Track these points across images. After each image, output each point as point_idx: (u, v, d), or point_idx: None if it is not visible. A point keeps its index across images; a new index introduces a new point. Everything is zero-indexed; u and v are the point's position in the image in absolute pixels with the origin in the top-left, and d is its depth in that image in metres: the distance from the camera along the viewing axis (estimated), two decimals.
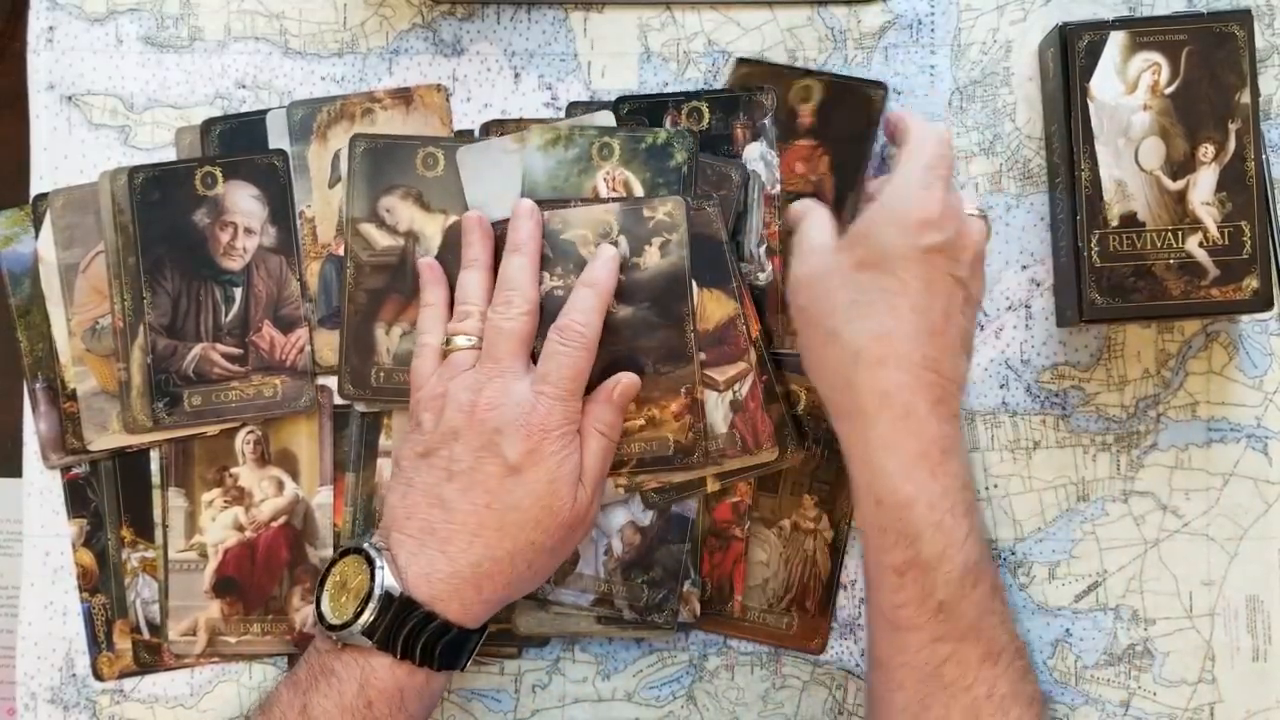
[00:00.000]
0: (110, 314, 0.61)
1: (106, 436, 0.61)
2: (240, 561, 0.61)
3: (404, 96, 0.62)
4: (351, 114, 0.62)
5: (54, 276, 0.61)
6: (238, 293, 0.61)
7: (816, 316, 0.55)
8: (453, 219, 0.61)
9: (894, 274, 0.52)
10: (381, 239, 0.61)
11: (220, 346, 0.61)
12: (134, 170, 0.61)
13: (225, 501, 0.61)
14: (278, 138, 0.62)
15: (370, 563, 0.52)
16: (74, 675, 0.62)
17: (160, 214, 0.61)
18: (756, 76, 0.62)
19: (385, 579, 0.52)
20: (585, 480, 0.55)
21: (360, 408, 0.61)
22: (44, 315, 0.61)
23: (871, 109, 0.61)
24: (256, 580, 0.61)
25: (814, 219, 0.58)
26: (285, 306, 0.61)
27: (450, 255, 0.60)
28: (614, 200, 0.60)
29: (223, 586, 0.61)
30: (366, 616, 0.51)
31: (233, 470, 0.61)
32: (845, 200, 0.61)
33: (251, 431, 0.61)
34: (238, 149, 0.62)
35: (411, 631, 0.52)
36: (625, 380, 0.57)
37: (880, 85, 0.62)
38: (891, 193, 0.54)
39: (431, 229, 0.61)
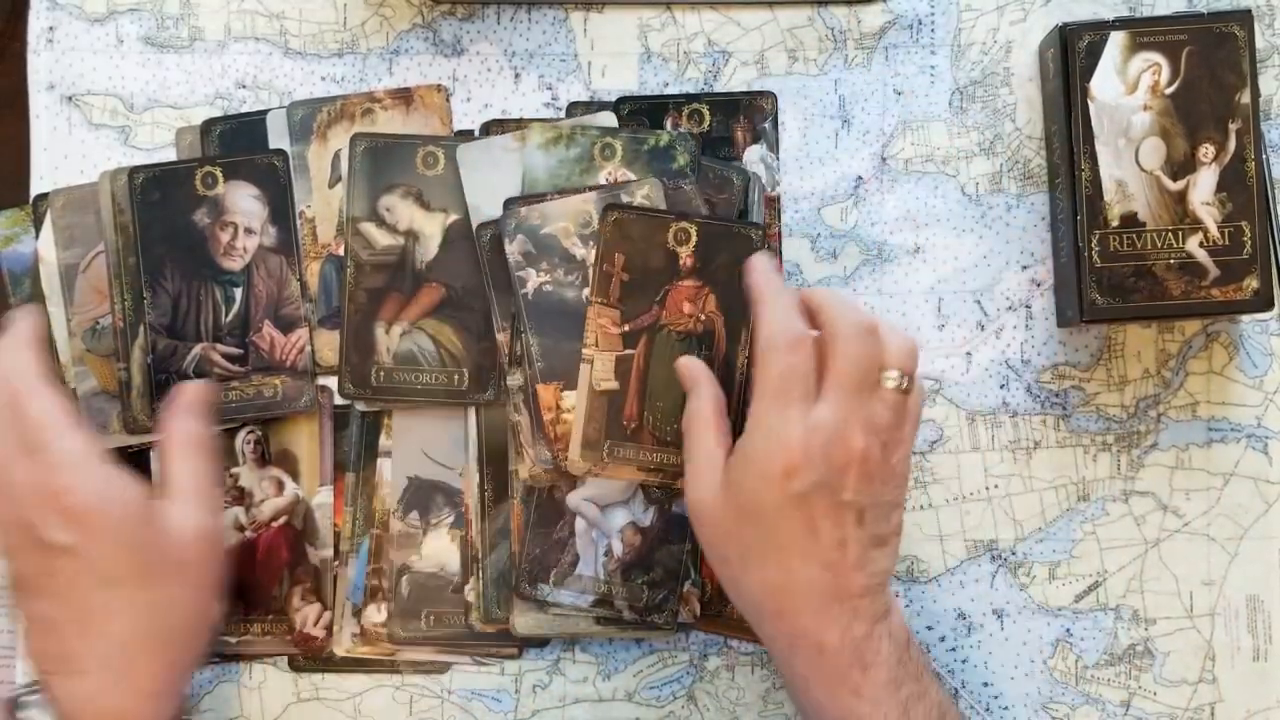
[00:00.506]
0: (110, 314, 0.61)
1: (107, 437, 0.60)
2: (240, 562, 0.60)
3: (404, 96, 0.62)
4: (352, 114, 0.62)
5: (54, 276, 0.61)
6: (238, 293, 0.61)
7: (714, 560, 0.54)
8: (453, 218, 0.61)
9: (773, 527, 0.50)
10: (382, 238, 0.61)
11: (220, 347, 0.61)
12: (134, 170, 0.61)
13: (225, 501, 0.60)
14: (278, 138, 0.62)
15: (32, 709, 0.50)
16: None
17: (160, 214, 0.61)
18: (628, 224, 0.59)
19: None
20: (186, 504, 0.51)
21: (360, 407, 0.61)
22: (43, 316, 0.61)
23: (750, 248, 0.59)
24: (257, 580, 0.61)
25: (700, 421, 0.54)
26: (285, 306, 0.61)
27: (449, 255, 0.60)
28: (590, 189, 0.60)
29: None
30: None
31: (233, 470, 0.61)
32: (739, 336, 0.59)
33: (251, 432, 0.61)
34: (238, 149, 0.62)
35: None
36: (184, 386, 0.57)
37: (757, 226, 0.60)
38: (748, 441, 0.51)
39: (432, 228, 0.61)
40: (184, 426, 0.54)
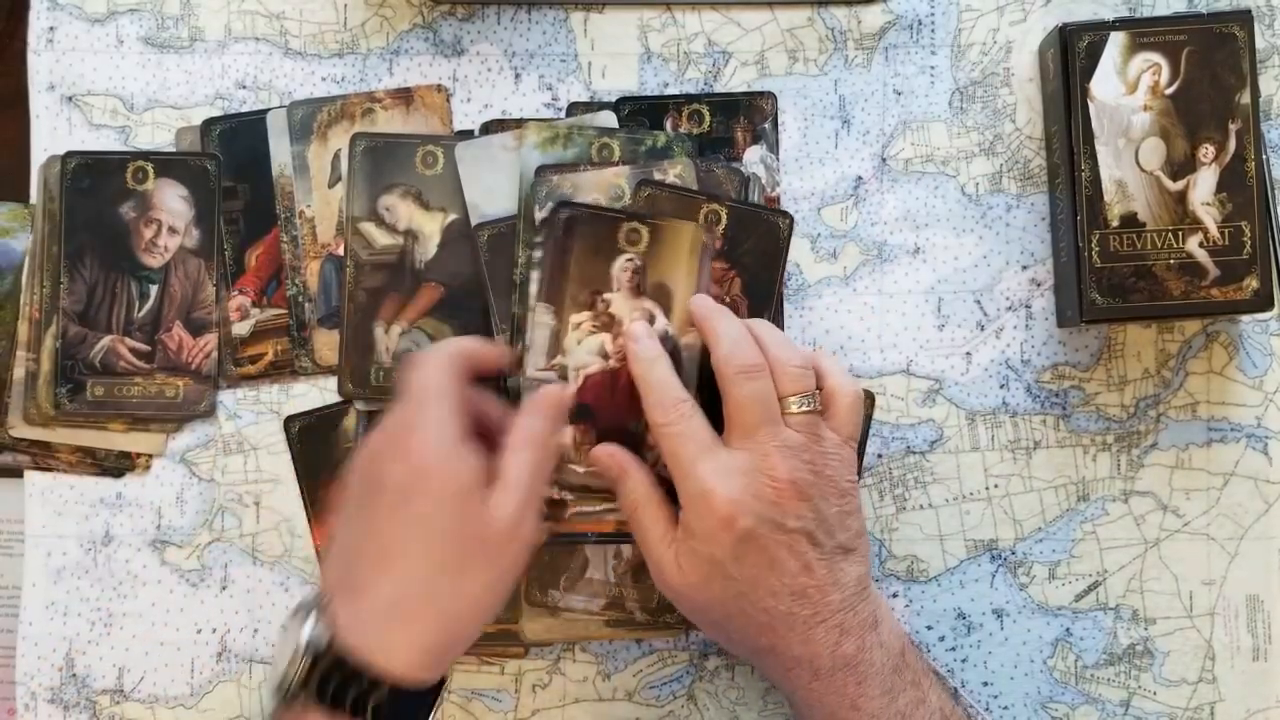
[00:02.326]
0: (28, 304, 0.61)
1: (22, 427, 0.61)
2: (599, 390, 0.57)
3: (404, 96, 0.62)
4: (352, 114, 0.62)
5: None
6: (153, 290, 0.61)
7: (704, 627, 0.56)
8: (452, 218, 0.61)
9: (735, 576, 0.51)
10: (381, 237, 0.61)
11: (129, 341, 0.61)
12: (68, 155, 0.61)
13: (594, 326, 0.58)
14: (278, 137, 0.62)
15: (307, 616, 0.50)
16: (74, 675, 0.62)
17: (87, 202, 0.61)
18: (661, 201, 0.59)
19: (310, 630, 0.49)
20: (506, 493, 0.51)
21: (360, 406, 0.61)
22: (15, 312, 0.62)
23: (779, 237, 0.60)
24: (613, 411, 0.58)
25: (639, 510, 0.54)
26: (199, 310, 0.61)
27: (448, 255, 0.60)
28: (624, 164, 0.60)
29: (579, 412, 0.57)
30: (293, 673, 0.49)
31: (606, 295, 0.58)
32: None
33: (631, 260, 0.58)
34: (238, 149, 0.62)
35: (340, 687, 0.49)
36: (547, 389, 0.56)
37: (785, 214, 0.60)
38: (684, 512, 0.52)
39: (431, 228, 0.61)
40: (533, 424, 0.54)
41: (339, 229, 0.62)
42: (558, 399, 0.55)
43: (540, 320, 0.58)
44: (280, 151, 0.62)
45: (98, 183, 0.61)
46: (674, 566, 0.53)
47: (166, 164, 0.61)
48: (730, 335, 0.54)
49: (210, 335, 0.61)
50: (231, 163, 0.62)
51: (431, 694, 0.52)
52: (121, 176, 0.61)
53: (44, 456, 0.61)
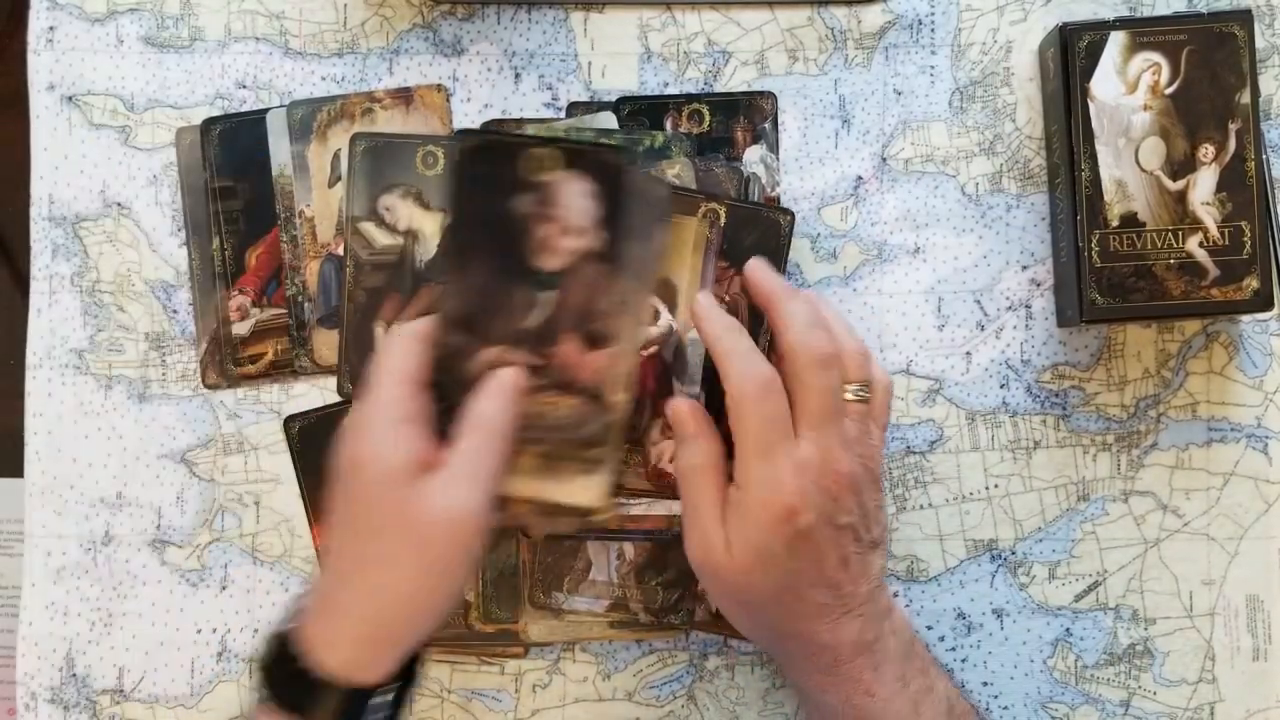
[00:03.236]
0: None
1: None
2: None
3: (404, 96, 0.62)
4: (351, 113, 0.62)
5: None
6: (548, 295, 0.54)
7: (727, 608, 0.54)
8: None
9: (783, 568, 0.51)
10: (381, 237, 0.61)
11: (516, 353, 0.54)
12: (462, 132, 0.57)
13: None
14: (278, 137, 0.62)
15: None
16: (74, 675, 0.62)
17: (483, 190, 0.53)
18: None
19: (279, 625, 0.50)
20: (444, 480, 0.49)
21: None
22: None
23: (780, 234, 0.59)
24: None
25: (698, 477, 0.52)
26: (595, 320, 0.54)
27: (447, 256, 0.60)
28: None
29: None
30: (258, 667, 0.49)
31: None
32: (762, 321, 0.56)
33: None
34: (237, 149, 0.62)
35: (288, 686, 0.49)
36: (502, 372, 0.52)
37: (786, 211, 0.59)
38: (742, 495, 0.51)
39: (431, 227, 0.61)
40: (483, 408, 0.51)
41: (338, 229, 0.62)
42: (511, 383, 0.52)
43: None
44: (280, 151, 0.62)
45: (494, 168, 0.53)
46: (723, 546, 0.51)
47: (577, 154, 0.53)
48: (803, 319, 0.51)
49: (606, 350, 0.53)
50: (231, 162, 0.62)
51: (394, 693, 0.51)
52: (520, 164, 0.53)
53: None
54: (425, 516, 0.48)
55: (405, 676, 0.51)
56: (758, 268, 0.54)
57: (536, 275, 0.53)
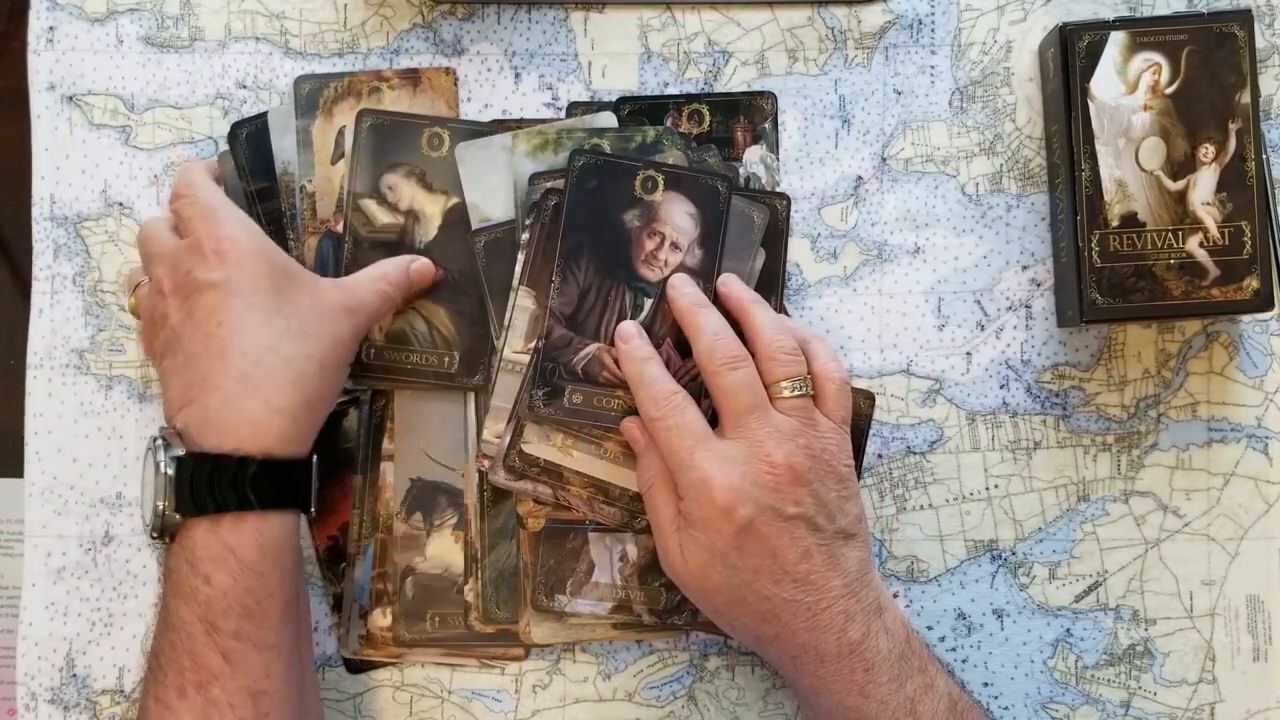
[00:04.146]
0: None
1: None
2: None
3: (411, 77, 0.62)
4: (359, 91, 0.62)
5: None
6: (647, 304, 0.58)
7: (708, 613, 0.55)
8: (454, 201, 0.61)
9: (737, 564, 0.52)
10: (382, 216, 0.61)
11: (615, 351, 0.58)
12: (576, 152, 0.59)
13: None
14: (280, 134, 0.62)
15: (154, 449, 0.52)
16: (74, 675, 0.62)
17: (593, 203, 0.59)
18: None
19: (160, 454, 0.51)
20: (347, 279, 0.57)
21: (348, 384, 0.60)
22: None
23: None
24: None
25: (652, 490, 0.55)
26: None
27: (448, 238, 0.61)
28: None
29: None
30: (162, 503, 0.51)
31: None
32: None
33: None
34: (265, 151, 0.62)
35: (210, 485, 0.50)
36: (422, 263, 0.60)
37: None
38: (684, 501, 0.53)
39: (432, 209, 0.61)
40: (393, 268, 0.59)
41: (338, 206, 0.61)
42: (424, 264, 0.59)
43: (521, 304, 0.58)
44: (284, 149, 0.62)
45: (605, 184, 0.59)
46: (678, 552, 0.53)
47: (677, 178, 0.59)
48: (710, 329, 0.55)
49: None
50: (261, 165, 0.62)
51: (304, 471, 0.54)
52: (630, 182, 0.59)
53: (558, 487, 0.59)
54: (326, 301, 0.55)
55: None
56: (677, 284, 0.57)
57: (639, 284, 0.58)
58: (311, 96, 0.62)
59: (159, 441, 0.52)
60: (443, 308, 0.61)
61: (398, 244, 0.61)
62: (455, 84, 0.63)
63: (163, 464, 0.51)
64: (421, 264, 0.59)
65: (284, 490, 0.52)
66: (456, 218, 0.61)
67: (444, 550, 0.61)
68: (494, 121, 0.63)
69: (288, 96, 0.63)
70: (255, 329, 0.52)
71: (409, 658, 0.61)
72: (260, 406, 0.52)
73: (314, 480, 0.54)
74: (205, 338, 0.52)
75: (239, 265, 0.53)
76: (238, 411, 0.51)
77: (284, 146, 0.62)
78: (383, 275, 0.58)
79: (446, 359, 0.61)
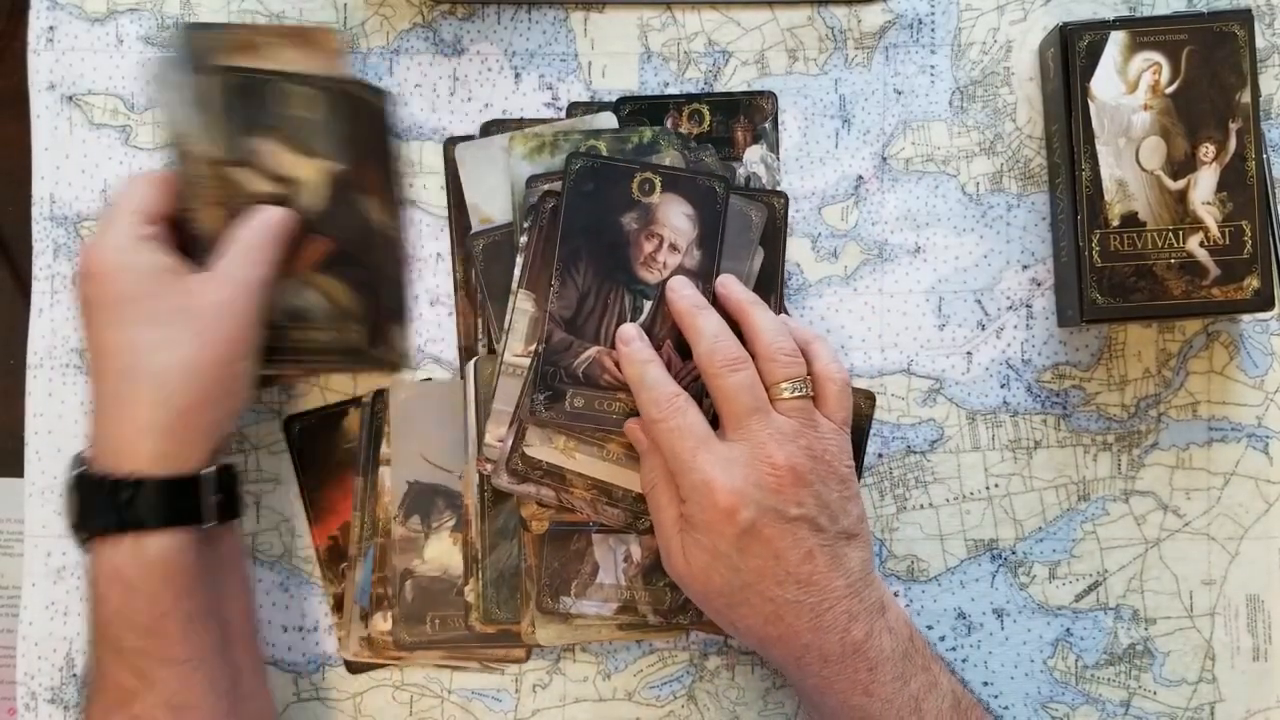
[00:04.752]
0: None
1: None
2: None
3: (298, 34, 0.60)
4: (241, 46, 0.58)
5: None
6: (646, 306, 0.58)
7: (711, 614, 0.55)
8: (339, 167, 0.59)
9: (739, 566, 0.52)
10: (257, 183, 0.57)
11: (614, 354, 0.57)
12: (573, 155, 0.58)
13: None
14: (167, 89, 0.57)
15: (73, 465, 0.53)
16: (74, 675, 0.62)
17: (590, 206, 0.58)
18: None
19: (69, 468, 0.52)
20: (214, 268, 0.54)
21: (266, 370, 0.57)
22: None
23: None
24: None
25: (655, 492, 0.55)
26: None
27: (335, 207, 0.58)
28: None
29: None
30: (70, 516, 0.52)
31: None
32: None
33: None
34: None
35: (101, 504, 0.51)
36: (271, 210, 0.56)
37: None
38: (686, 504, 0.53)
39: (313, 175, 0.58)
40: (250, 230, 0.55)
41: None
42: (272, 212, 0.56)
43: (521, 307, 0.58)
44: (172, 104, 0.57)
45: (602, 187, 0.58)
46: (680, 554, 0.53)
47: (674, 179, 0.58)
48: (710, 332, 0.55)
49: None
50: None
51: (221, 481, 0.54)
52: (627, 185, 0.58)
53: (561, 490, 0.58)
54: (199, 302, 0.53)
55: (227, 468, 0.55)
56: (675, 286, 0.57)
57: (638, 286, 0.58)
58: (200, 48, 0.57)
59: (72, 460, 0.53)
60: (339, 280, 0.59)
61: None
62: (342, 46, 0.61)
63: (67, 480, 0.53)
64: (274, 213, 0.56)
65: (165, 509, 0.51)
66: (341, 184, 0.58)
67: (442, 552, 0.61)
68: (491, 122, 0.63)
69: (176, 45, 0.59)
70: (122, 345, 0.52)
71: (410, 661, 0.61)
72: (128, 426, 0.51)
73: (211, 494, 0.53)
74: (91, 356, 0.53)
75: (101, 282, 0.53)
76: (110, 431, 0.52)
77: (170, 101, 0.57)
78: (242, 240, 0.55)
79: (353, 333, 0.59)
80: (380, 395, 0.62)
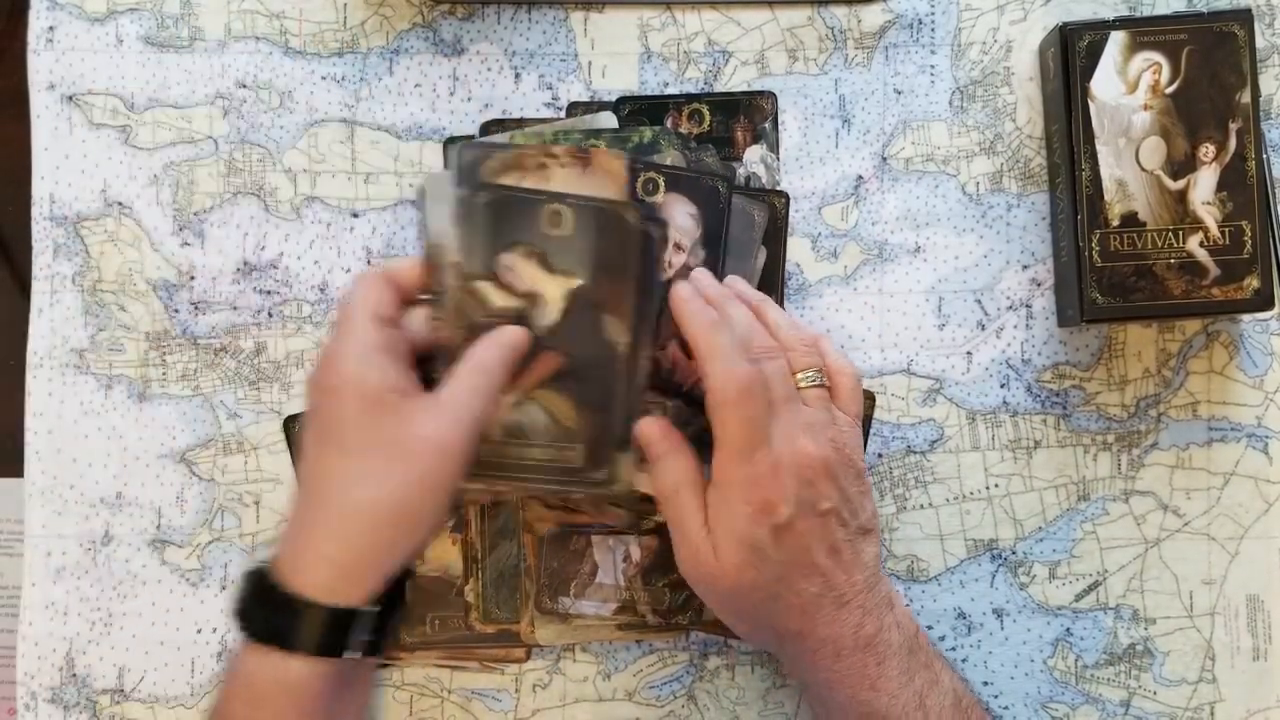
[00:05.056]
0: None
1: None
2: None
3: (582, 157, 0.57)
4: (524, 165, 0.56)
5: None
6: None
7: (727, 615, 0.55)
8: (577, 283, 0.55)
9: (771, 562, 0.51)
10: (498, 299, 0.55)
11: None
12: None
13: None
14: (435, 202, 0.57)
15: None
16: (74, 675, 0.62)
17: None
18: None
19: (246, 566, 0.51)
20: (434, 401, 0.51)
21: (465, 484, 0.53)
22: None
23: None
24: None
25: (681, 494, 0.53)
26: None
27: (571, 322, 0.55)
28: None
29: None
30: (236, 602, 0.51)
31: None
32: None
33: None
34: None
35: (266, 617, 0.50)
36: (505, 328, 0.54)
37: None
38: (724, 498, 0.52)
39: (553, 291, 0.55)
40: (483, 351, 0.53)
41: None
42: (512, 338, 0.53)
43: None
44: (438, 217, 0.57)
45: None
46: (711, 553, 0.52)
47: (676, 179, 0.58)
48: (742, 321, 0.54)
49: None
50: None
51: (379, 616, 0.51)
52: (631, 186, 0.57)
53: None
54: (413, 435, 0.50)
55: (390, 602, 0.52)
56: (698, 276, 0.56)
57: None
58: (472, 167, 0.56)
59: (264, 551, 0.52)
60: (565, 397, 0.55)
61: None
62: (628, 170, 0.57)
63: (240, 577, 0.51)
64: (510, 335, 0.54)
65: (319, 638, 0.50)
66: (581, 303, 0.55)
67: (442, 553, 0.61)
68: (491, 123, 0.63)
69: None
70: (325, 471, 0.51)
71: (410, 660, 0.61)
72: (309, 550, 0.50)
73: (365, 633, 0.50)
74: (297, 464, 0.53)
75: (327, 397, 0.51)
76: (291, 546, 0.51)
77: (437, 215, 0.57)
78: (476, 366, 0.52)
79: (570, 452, 0.55)
80: None
